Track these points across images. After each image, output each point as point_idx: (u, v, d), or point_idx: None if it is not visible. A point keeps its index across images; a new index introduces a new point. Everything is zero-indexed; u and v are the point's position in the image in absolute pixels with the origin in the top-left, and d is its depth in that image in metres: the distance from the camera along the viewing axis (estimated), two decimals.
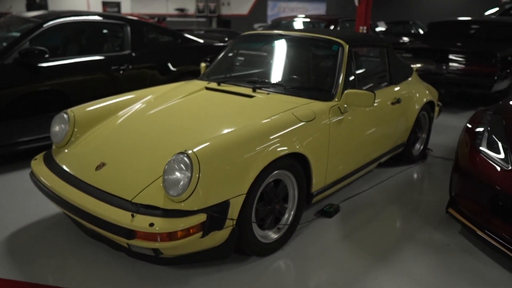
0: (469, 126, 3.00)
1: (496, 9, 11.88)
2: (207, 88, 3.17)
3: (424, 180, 3.89)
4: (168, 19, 19.65)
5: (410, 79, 3.98)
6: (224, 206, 2.08)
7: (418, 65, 4.42)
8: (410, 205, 3.27)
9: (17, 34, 3.90)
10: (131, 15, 12.15)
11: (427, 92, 4.07)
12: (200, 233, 2.01)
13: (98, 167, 2.35)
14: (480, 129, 2.86)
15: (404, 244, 2.69)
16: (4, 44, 3.84)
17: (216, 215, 2.04)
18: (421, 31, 12.87)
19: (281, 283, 2.27)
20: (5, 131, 3.57)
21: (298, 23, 8.03)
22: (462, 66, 6.13)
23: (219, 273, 2.32)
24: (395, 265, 2.46)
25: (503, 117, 2.94)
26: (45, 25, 3.92)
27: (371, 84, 3.45)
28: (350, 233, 2.79)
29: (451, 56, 6.20)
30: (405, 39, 10.05)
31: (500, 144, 2.63)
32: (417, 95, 3.88)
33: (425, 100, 3.95)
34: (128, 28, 4.55)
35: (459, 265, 2.48)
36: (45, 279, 2.26)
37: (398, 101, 3.54)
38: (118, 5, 20.51)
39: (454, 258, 2.55)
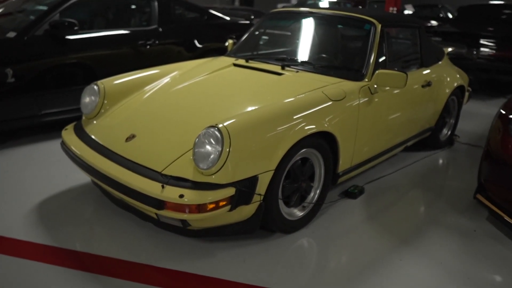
0: (503, 112, 2.92)
1: None
2: (235, 65, 3.15)
3: (450, 166, 3.83)
4: None
5: (441, 62, 3.88)
6: (252, 181, 2.08)
7: (450, 48, 4.30)
8: (435, 190, 3.23)
9: (44, 8, 3.93)
10: None
11: (458, 76, 3.97)
12: (228, 207, 2.03)
13: (128, 139, 2.38)
14: None
15: (429, 228, 2.67)
16: (32, 17, 3.88)
17: (244, 189, 2.05)
18: (450, 15, 12.48)
19: (304, 260, 2.29)
20: (33, 102, 3.63)
21: (325, 3, 7.89)
22: (493, 51, 5.96)
23: (244, 247, 2.34)
24: (420, 248, 2.44)
25: None
26: None
27: (402, 66, 3.38)
28: (374, 215, 2.78)
29: (481, 41, 6.02)
30: (434, 22, 9.78)
31: None
32: (448, 79, 3.79)
33: (455, 84, 3.85)
34: (156, 3, 4.53)
35: (486, 251, 2.45)
36: (73, 245, 2.32)
37: (428, 84, 3.46)
38: None
39: (481, 244, 2.52)
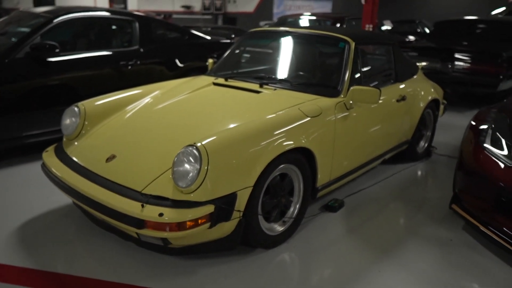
0: (473, 123, 3.03)
1: (503, 8, 11.85)
2: (214, 84, 3.21)
3: (428, 177, 3.93)
4: (174, 16, 19.73)
5: (415, 77, 4.01)
6: (231, 198, 2.13)
7: (424, 63, 4.45)
8: (414, 202, 3.31)
9: (26, 30, 3.96)
10: (138, 11, 12.20)
11: (432, 90, 4.10)
12: (208, 224, 2.07)
13: (108, 159, 2.40)
14: (484, 127, 2.89)
15: (407, 239, 2.73)
16: (14, 39, 3.91)
17: (223, 206, 2.09)
18: (427, 30, 12.84)
19: (286, 275, 2.32)
20: (15, 124, 3.63)
21: (304, 21, 8.06)
22: (468, 65, 6.14)
23: (225, 264, 2.37)
24: (399, 259, 2.50)
25: (507, 114, 2.96)
26: (55, 20, 3.97)
27: (377, 82, 3.49)
28: (354, 228, 2.84)
29: (457, 55, 6.21)
30: (411, 38, 10.07)
31: (503, 141, 2.66)
32: (422, 93, 3.91)
33: (430, 98, 3.98)
34: (137, 24, 4.60)
35: (462, 260, 2.52)
36: (54, 267, 2.32)
37: (403, 98, 3.57)
38: (124, 1, 20.59)
39: (457, 253, 2.59)
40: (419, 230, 2.84)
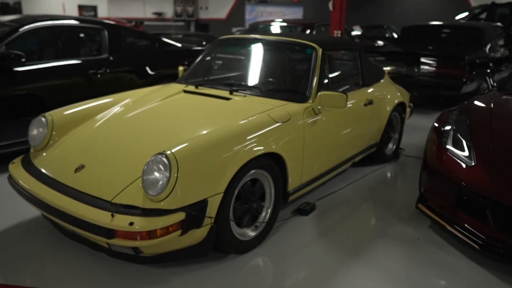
0: (436, 125, 3.15)
1: (466, 13, 12.32)
2: (185, 91, 3.23)
3: (397, 178, 4.04)
4: (146, 23, 19.54)
5: (382, 81, 4.13)
6: (202, 205, 2.14)
7: (389, 68, 4.58)
8: (383, 202, 3.40)
9: None
10: (108, 19, 12.07)
11: (399, 94, 4.23)
12: (179, 231, 2.07)
13: (77, 169, 2.38)
14: (446, 128, 3.00)
15: (377, 239, 2.80)
16: None
17: (194, 213, 2.10)
18: (395, 35, 13.19)
19: (260, 279, 2.35)
20: None
21: (276, 27, 8.15)
22: (433, 68, 6.35)
23: (199, 271, 2.37)
24: (368, 259, 2.57)
25: (467, 116, 3.10)
26: (21, 29, 3.90)
27: (345, 87, 3.57)
28: (326, 230, 2.89)
29: (422, 59, 6.42)
30: (380, 42, 10.32)
31: (464, 142, 2.78)
32: (389, 96, 4.03)
33: (396, 101, 4.10)
34: (106, 32, 4.56)
35: (429, 257, 2.61)
36: (23, 281, 2.27)
37: (370, 102, 3.67)
38: (94, 8, 20.32)
39: (424, 251, 2.68)
40: (388, 230, 2.92)
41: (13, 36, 3.84)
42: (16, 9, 21.19)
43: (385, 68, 4.45)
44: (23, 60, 3.75)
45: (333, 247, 2.68)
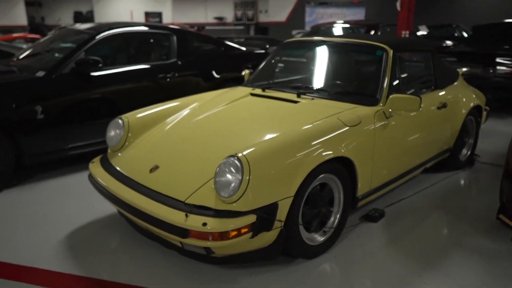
0: None
1: None
2: (252, 94, 3.25)
3: (472, 186, 3.80)
4: (207, 27, 20.11)
5: (456, 83, 3.91)
6: (272, 208, 2.14)
7: (464, 69, 4.33)
8: (457, 212, 3.21)
9: (71, 46, 4.15)
10: (172, 24, 12.56)
11: (474, 96, 3.99)
12: (250, 234, 2.09)
13: (152, 170, 2.48)
14: None
15: (452, 250, 2.65)
16: (57, 54, 4.10)
17: (265, 216, 2.10)
18: (465, 34, 12.49)
19: (327, 286, 2.30)
20: (61, 136, 3.80)
21: (338, 29, 8.03)
22: (510, 69, 5.93)
23: (267, 273, 2.37)
24: (443, 271, 2.43)
25: None
26: (98, 36, 4.14)
27: (416, 89, 3.43)
28: (396, 238, 2.78)
29: (497, 60, 6.01)
30: (448, 42, 9.82)
31: None
32: (464, 99, 3.81)
33: (472, 104, 3.87)
34: (174, 38, 4.72)
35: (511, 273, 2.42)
36: (100, 274, 2.40)
37: (444, 105, 3.49)
38: (159, 15, 21.21)
39: (506, 266, 2.49)
40: (464, 241, 2.75)
41: (91, 43, 4.08)
42: (89, 17, 22.66)
43: (459, 70, 4.21)
44: (100, 65, 3.97)
45: (404, 256, 2.57)
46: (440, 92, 3.59)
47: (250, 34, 19.54)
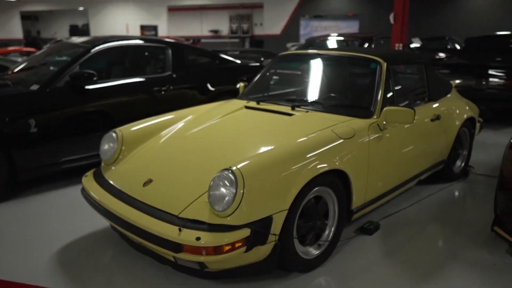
0: None
1: None
2: (246, 107, 3.25)
3: (466, 197, 3.80)
4: (203, 40, 20.22)
5: (449, 95, 3.94)
6: (267, 222, 2.13)
7: (457, 81, 4.37)
8: (452, 223, 3.20)
9: (66, 59, 4.15)
10: (168, 37, 12.61)
11: (467, 108, 4.01)
12: (244, 248, 2.07)
13: (145, 183, 2.46)
14: None
15: (448, 263, 2.64)
16: (51, 68, 4.09)
17: (259, 230, 2.09)
18: (458, 47, 12.62)
19: None
20: (55, 150, 3.77)
21: (332, 42, 8.10)
22: (503, 81, 5.99)
23: None
24: (440, 284, 2.41)
25: None
26: (93, 50, 4.15)
27: (410, 101, 3.45)
28: (391, 251, 2.77)
29: (490, 72, 6.08)
30: (441, 55, 9.91)
31: None
32: (457, 111, 3.83)
33: (465, 116, 3.89)
34: (169, 51, 4.74)
35: (507, 285, 2.41)
36: None
37: (437, 117, 3.51)
38: (155, 28, 21.31)
39: (502, 278, 2.47)
40: (460, 254, 2.74)
41: (86, 57, 4.09)
42: (85, 30, 22.75)
43: (452, 82, 4.24)
44: (95, 78, 3.97)
45: (400, 269, 2.56)
46: (434, 104, 3.62)
47: (245, 47, 19.66)
